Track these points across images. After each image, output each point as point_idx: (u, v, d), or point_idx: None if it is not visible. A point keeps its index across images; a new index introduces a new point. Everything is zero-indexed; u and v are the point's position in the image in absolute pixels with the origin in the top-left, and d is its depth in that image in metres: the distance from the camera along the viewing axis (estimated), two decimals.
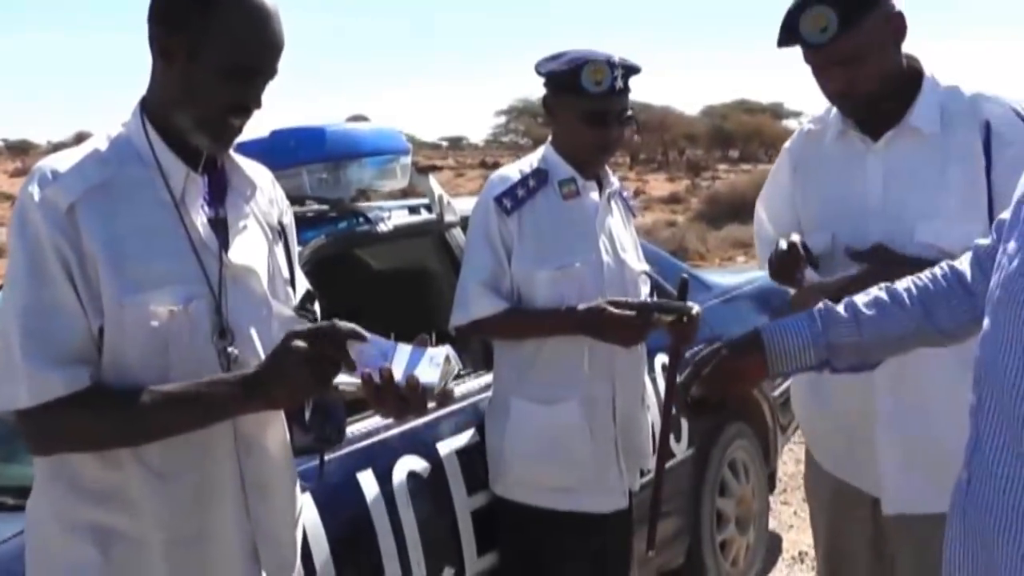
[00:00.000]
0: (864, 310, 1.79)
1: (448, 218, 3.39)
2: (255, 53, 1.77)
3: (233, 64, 1.75)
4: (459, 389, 3.02)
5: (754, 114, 57.29)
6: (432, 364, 1.73)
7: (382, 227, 3.15)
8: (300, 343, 1.69)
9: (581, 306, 2.68)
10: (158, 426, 1.72)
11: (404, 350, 1.73)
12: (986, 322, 1.53)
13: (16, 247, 1.70)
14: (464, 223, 3.31)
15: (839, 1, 2.26)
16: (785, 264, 2.41)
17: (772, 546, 4.74)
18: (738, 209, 21.02)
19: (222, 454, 1.83)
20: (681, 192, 26.71)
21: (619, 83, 2.68)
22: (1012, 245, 1.47)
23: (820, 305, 1.80)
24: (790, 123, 58.14)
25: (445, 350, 1.75)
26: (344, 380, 1.73)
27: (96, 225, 1.69)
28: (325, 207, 3.15)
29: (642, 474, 3.01)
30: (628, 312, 2.67)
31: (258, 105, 1.81)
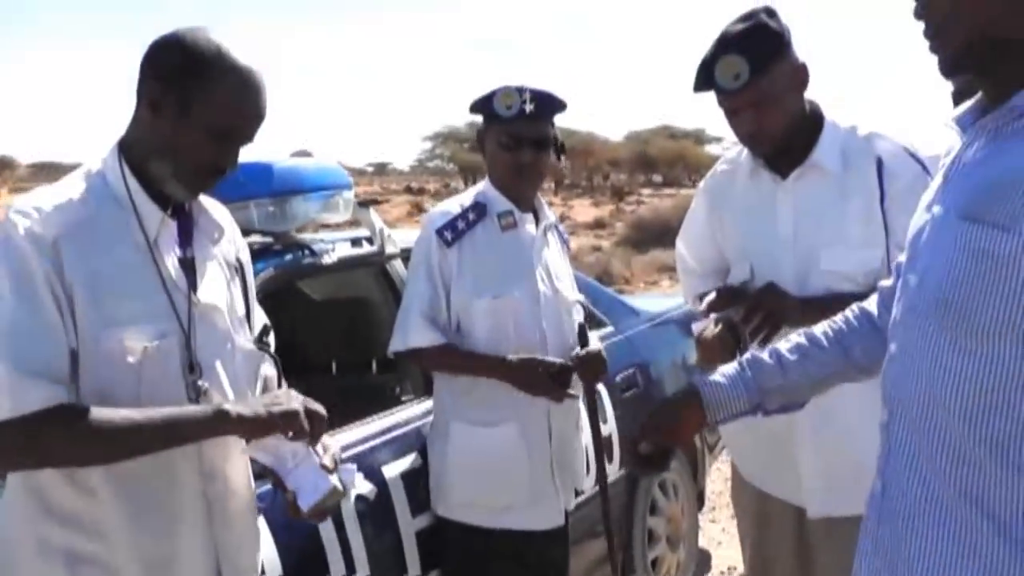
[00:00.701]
0: (787, 355, 1.95)
1: (389, 250, 3.51)
2: (242, 120, 1.90)
3: (220, 127, 1.87)
4: (403, 415, 3.16)
5: (677, 139, 58.06)
6: (316, 491, 1.95)
7: (326, 259, 3.26)
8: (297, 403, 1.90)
9: (513, 357, 2.83)
10: (128, 444, 1.79)
11: (302, 471, 1.97)
12: (891, 346, 1.68)
13: (2, 270, 1.77)
14: (404, 255, 3.44)
15: (750, 51, 2.47)
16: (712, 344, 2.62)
17: (702, 562, 4.87)
18: (662, 233, 21.29)
19: (188, 481, 1.92)
20: (606, 217, 26.95)
21: (528, 107, 2.84)
22: (912, 277, 1.63)
23: (747, 355, 1.98)
24: (712, 148, 59.05)
25: (334, 482, 1.98)
26: (261, 456, 1.99)
27: (76, 260, 1.78)
28: (270, 240, 3.26)
29: (577, 494, 3.15)
30: (553, 371, 2.85)
31: (234, 167, 1.94)
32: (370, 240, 3.50)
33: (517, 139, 2.86)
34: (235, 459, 2.03)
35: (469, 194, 3.00)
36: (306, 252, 3.21)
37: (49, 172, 57.90)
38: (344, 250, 3.37)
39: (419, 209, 27.65)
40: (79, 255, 1.79)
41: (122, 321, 1.82)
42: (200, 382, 1.91)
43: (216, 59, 1.87)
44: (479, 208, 2.91)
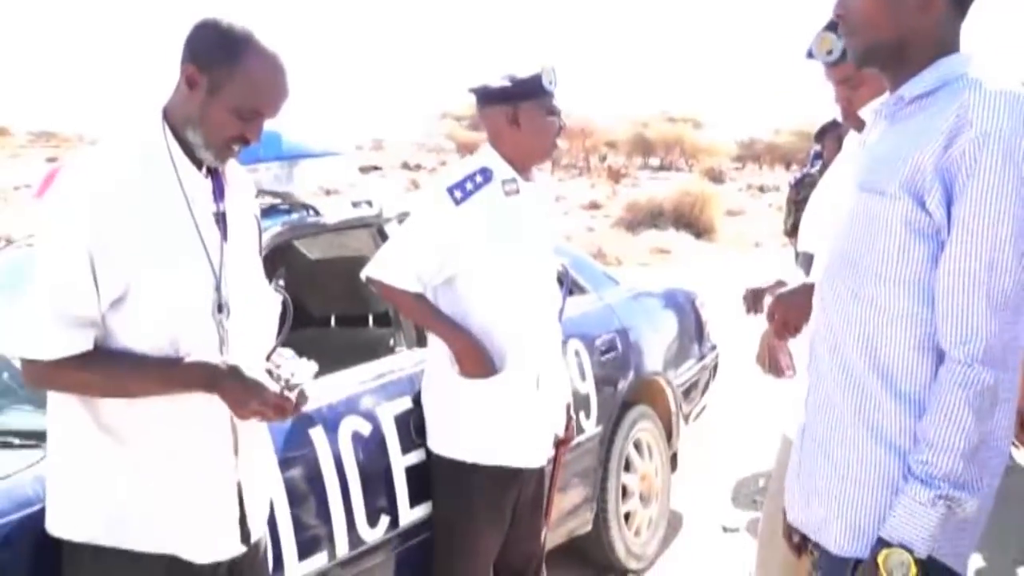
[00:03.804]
0: None
1: (386, 213, 3.79)
2: (266, 100, 2.17)
3: (246, 106, 2.15)
4: (398, 362, 3.45)
5: (675, 122, 58.07)
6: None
7: (329, 219, 3.54)
8: (272, 390, 2.16)
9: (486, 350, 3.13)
10: (134, 388, 2.13)
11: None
12: (815, 302, 2.02)
13: (51, 226, 2.09)
14: (401, 217, 3.72)
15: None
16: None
17: (674, 522, 5.13)
18: (656, 215, 21.58)
19: (219, 413, 2.21)
20: (601, 199, 27.12)
21: (557, 82, 3.19)
22: (831, 243, 2.00)
23: None
24: (710, 132, 59.07)
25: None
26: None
27: (123, 213, 2.08)
28: (277, 200, 3.53)
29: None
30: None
31: (257, 139, 2.21)
32: (369, 203, 3.77)
33: (557, 108, 3.19)
34: None
35: (473, 160, 3.24)
36: (310, 212, 3.49)
37: (48, 140, 58.06)
38: (345, 211, 3.65)
39: (415, 185, 27.84)
40: (126, 209, 2.08)
41: (162, 264, 2.11)
42: (226, 322, 2.20)
43: (245, 44, 2.13)
44: (486, 173, 3.16)
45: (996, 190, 1.69)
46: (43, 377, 2.13)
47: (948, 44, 1.86)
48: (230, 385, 2.14)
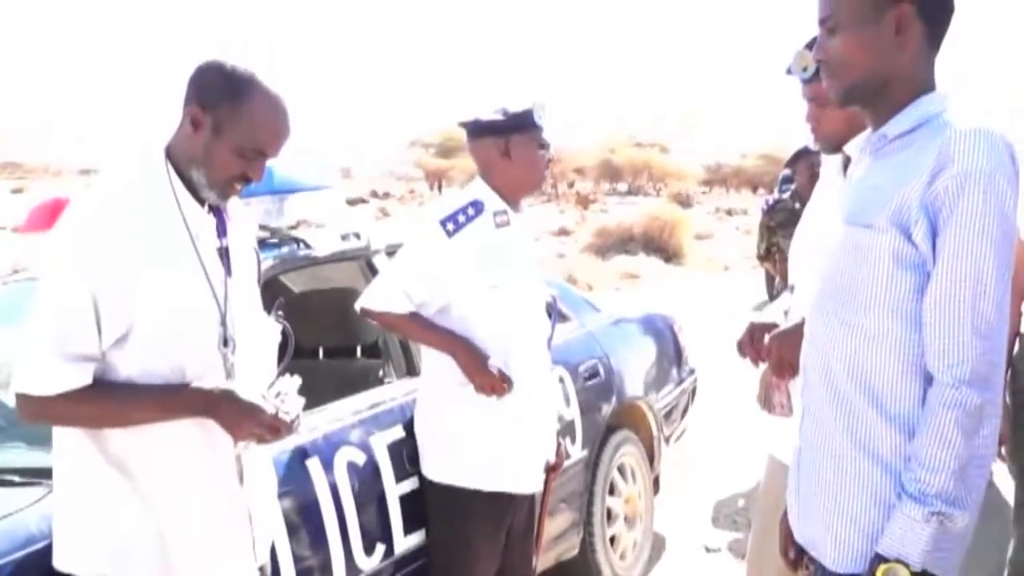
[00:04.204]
0: None
1: (374, 244, 3.85)
2: (268, 140, 2.24)
3: (249, 146, 2.21)
4: (389, 392, 3.50)
5: (643, 147, 58.34)
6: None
7: (318, 252, 3.60)
8: (266, 411, 2.21)
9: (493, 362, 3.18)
10: (130, 417, 2.18)
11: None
12: (806, 331, 2.11)
13: (55, 263, 2.14)
14: (389, 249, 3.78)
15: None
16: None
17: (657, 544, 5.17)
18: (626, 241, 21.70)
19: (225, 446, 2.27)
20: (570, 225, 27.24)
21: (545, 116, 3.28)
22: (822, 275, 2.07)
23: None
24: (677, 157, 59.41)
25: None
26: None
27: (127, 252, 2.12)
28: (266, 234, 3.58)
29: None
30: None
31: (259, 178, 2.28)
32: (357, 235, 3.83)
33: (546, 143, 3.29)
34: None
35: (464, 193, 3.31)
36: (300, 245, 3.54)
37: (12, 171, 57.64)
38: (334, 244, 3.71)
39: (385, 214, 27.85)
40: (130, 245, 2.13)
41: (168, 301, 2.16)
42: (231, 356, 2.26)
43: (248, 85, 2.20)
44: (478, 205, 3.23)
45: (978, 223, 1.79)
46: (39, 411, 2.16)
47: (925, 80, 1.97)
48: (225, 409, 2.19)
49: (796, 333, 2.46)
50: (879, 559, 1.86)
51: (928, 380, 1.86)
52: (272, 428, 2.22)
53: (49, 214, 3.52)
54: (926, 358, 1.85)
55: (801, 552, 2.16)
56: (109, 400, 2.16)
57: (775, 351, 2.68)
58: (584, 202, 37.21)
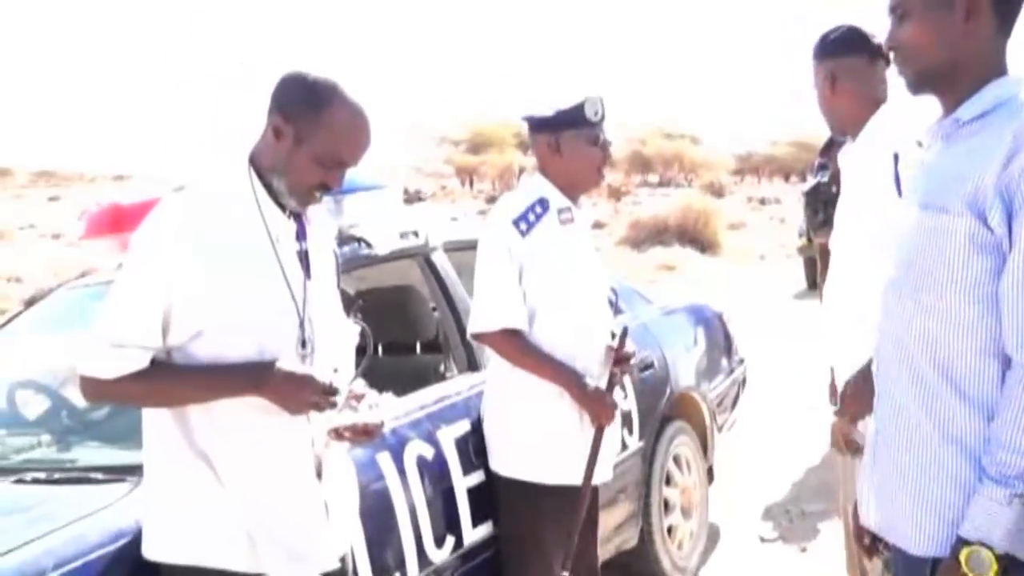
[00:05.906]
0: None
1: (432, 242, 3.90)
2: (348, 150, 2.28)
3: (328, 155, 2.26)
4: (453, 386, 3.55)
5: (673, 139, 58.14)
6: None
7: (379, 250, 3.64)
8: (317, 380, 2.24)
9: (589, 381, 3.23)
10: (183, 396, 2.26)
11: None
12: (879, 316, 2.12)
13: (135, 260, 2.23)
14: (446, 246, 3.83)
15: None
16: None
17: (712, 534, 5.20)
18: (660, 232, 21.68)
19: (303, 442, 2.33)
20: (604, 218, 27.22)
21: (604, 112, 3.28)
22: (894, 258, 2.08)
23: None
24: (708, 147, 59.20)
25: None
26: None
27: (211, 253, 2.19)
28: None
29: None
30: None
31: (339, 186, 2.33)
32: (415, 233, 3.88)
33: (603, 139, 3.28)
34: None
35: (528, 192, 3.32)
36: (362, 244, 3.59)
37: (48, 179, 58.17)
38: (393, 242, 3.75)
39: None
40: (213, 249, 2.20)
41: (249, 304, 2.23)
42: (308, 358, 2.31)
43: (330, 95, 2.24)
44: (544, 203, 3.25)
45: None
46: (98, 391, 2.30)
47: (996, 65, 1.97)
48: (275, 383, 2.22)
49: (863, 379, 2.56)
50: (962, 542, 1.87)
51: (1006, 362, 1.87)
52: (327, 394, 2.24)
53: (110, 220, 3.61)
54: (1004, 340, 1.87)
55: (875, 539, 2.17)
56: (161, 381, 2.24)
57: (851, 399, 2.76)
58: (616, 194, 37.08)
